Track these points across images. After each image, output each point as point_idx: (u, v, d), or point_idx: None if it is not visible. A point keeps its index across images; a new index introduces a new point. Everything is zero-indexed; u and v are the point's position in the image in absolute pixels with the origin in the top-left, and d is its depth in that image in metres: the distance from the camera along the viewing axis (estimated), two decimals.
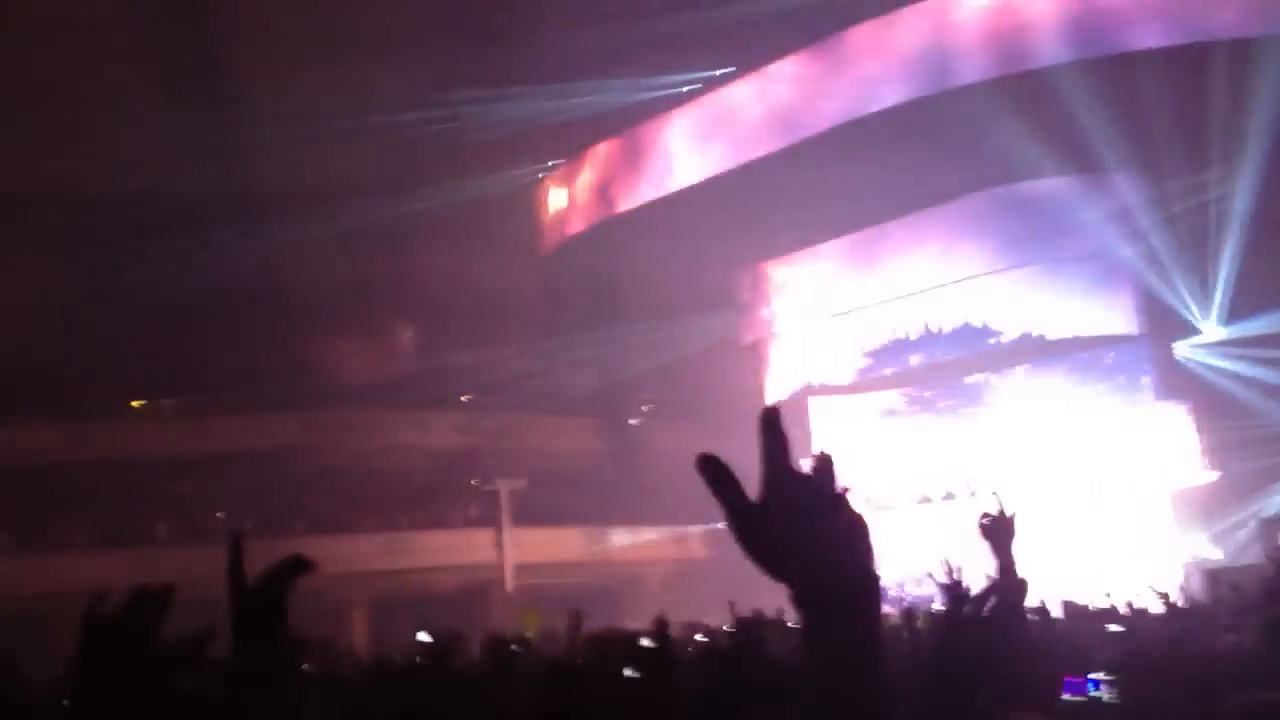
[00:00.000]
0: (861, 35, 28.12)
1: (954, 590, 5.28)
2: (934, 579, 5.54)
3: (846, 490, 1.35)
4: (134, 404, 30.37)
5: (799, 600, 1.31)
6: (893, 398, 29.11)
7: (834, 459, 1.37)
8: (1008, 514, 3.20)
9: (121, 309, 30.11)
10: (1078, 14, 25.48)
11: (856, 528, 1.34)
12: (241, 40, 29.23)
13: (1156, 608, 10.79)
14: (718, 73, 30.68)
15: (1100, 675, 3.87)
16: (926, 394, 28.67)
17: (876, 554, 1.55)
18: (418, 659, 6.80)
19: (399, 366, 35.24)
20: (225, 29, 29.47)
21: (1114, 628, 8.75)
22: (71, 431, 28.17)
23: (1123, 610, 10.98)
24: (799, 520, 1.30)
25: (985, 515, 3.17)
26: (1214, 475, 24.03)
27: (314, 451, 29.12)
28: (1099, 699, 3.78)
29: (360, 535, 27.93)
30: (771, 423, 1.32)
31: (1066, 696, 3.72)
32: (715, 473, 1.32)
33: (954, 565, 5.40)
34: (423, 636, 7.17)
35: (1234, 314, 24.08)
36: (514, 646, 8.20)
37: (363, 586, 26.88)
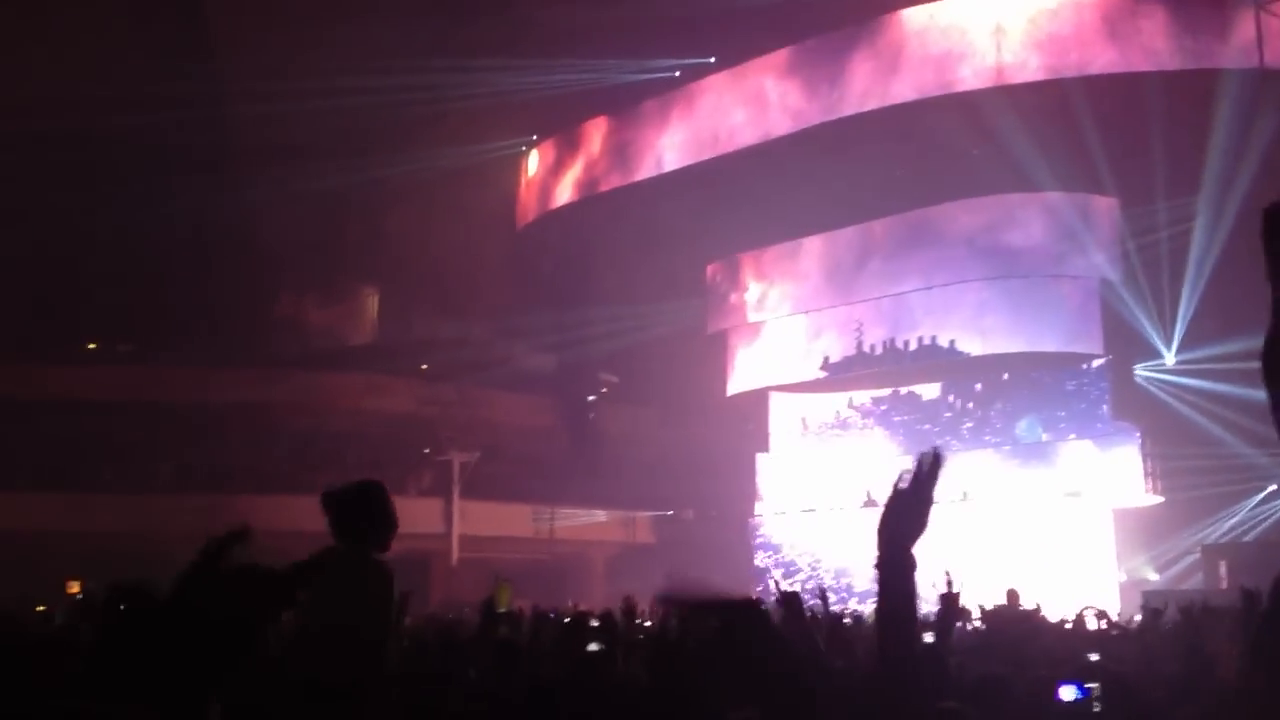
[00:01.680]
0: (848, 36, 28.09)
1: (951, 601, 5.32)
2: (935, 587, 5.61)
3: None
4: (89, 346, 29.96)
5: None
6: (848, 403, 29.23)
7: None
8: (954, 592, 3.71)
9: (85, 249, 29.72)
10: (1067, 33, 25.62)
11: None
12: None
13: (1093, 624, 10.93)
14: (704, 61, 30.59)
15: (1091, 685, 4.04)
16: (882, 408, 28.79)
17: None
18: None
19: (362, 330, 35.05)
20: None
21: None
22: (21, 371, 27.74)
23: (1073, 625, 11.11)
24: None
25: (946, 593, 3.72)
26: (1158, 499, 24.27)
27: (269, 409, 28.87)
28: (1089, 705, 3.94)
29: (307, 496, 27.63)
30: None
31: (1063, 698, 3.92)
32: None
33: (951, 576, 5.50)
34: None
35: (1196, 340, 24.25)
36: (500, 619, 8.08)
37: (308, 548, 26.66)
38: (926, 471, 1.96)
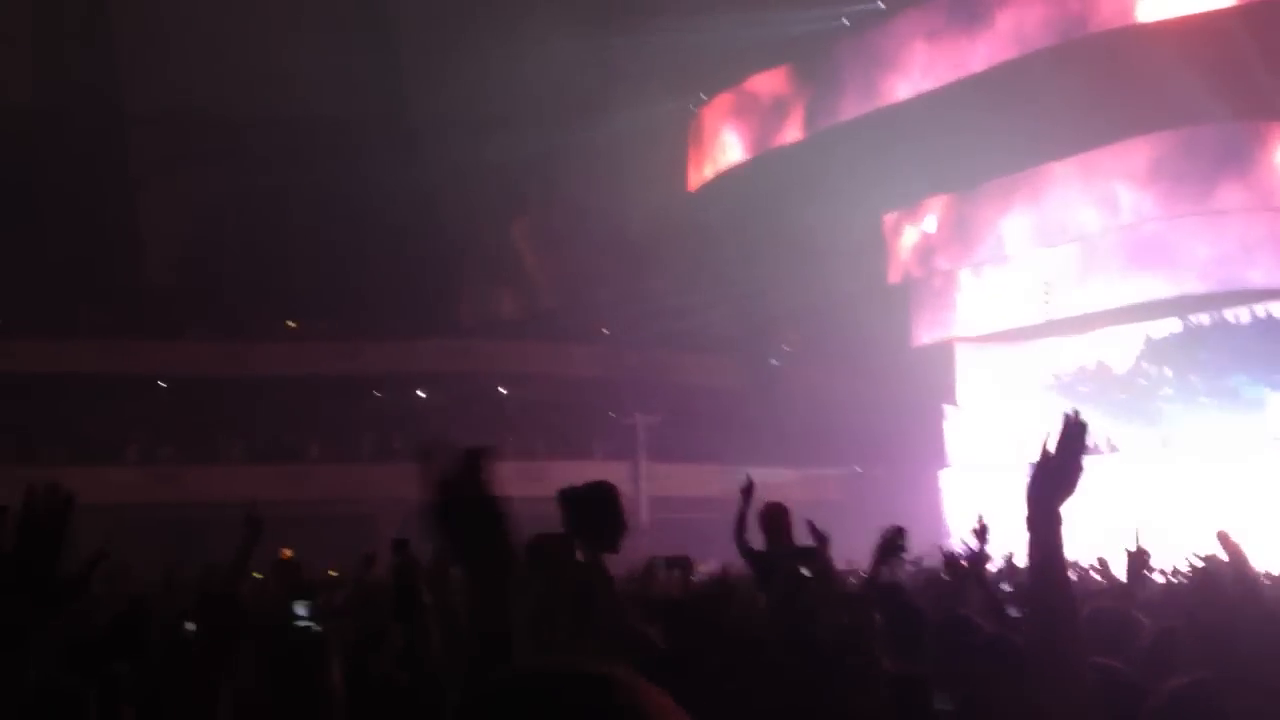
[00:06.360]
0: None
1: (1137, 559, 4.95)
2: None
3: None
4: (289, 324, 31.25)
5: None
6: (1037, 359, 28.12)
7: None
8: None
9: (280, 230, 31.05)
10: None
11: None
12: None
13: None
14: (875, 4, 30.03)
15: None
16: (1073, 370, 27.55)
17: None
18: None
19: (544, 297, 35.65)
20: None
21: None
22: (229, 348, 29.11)
23: None
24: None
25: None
26: None
27: (458, 379, 29.66)
28: None
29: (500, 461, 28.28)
30: None
31: None
32: None
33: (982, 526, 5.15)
34: None
35: None
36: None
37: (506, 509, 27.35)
38: (1071, 435, 2.03)
